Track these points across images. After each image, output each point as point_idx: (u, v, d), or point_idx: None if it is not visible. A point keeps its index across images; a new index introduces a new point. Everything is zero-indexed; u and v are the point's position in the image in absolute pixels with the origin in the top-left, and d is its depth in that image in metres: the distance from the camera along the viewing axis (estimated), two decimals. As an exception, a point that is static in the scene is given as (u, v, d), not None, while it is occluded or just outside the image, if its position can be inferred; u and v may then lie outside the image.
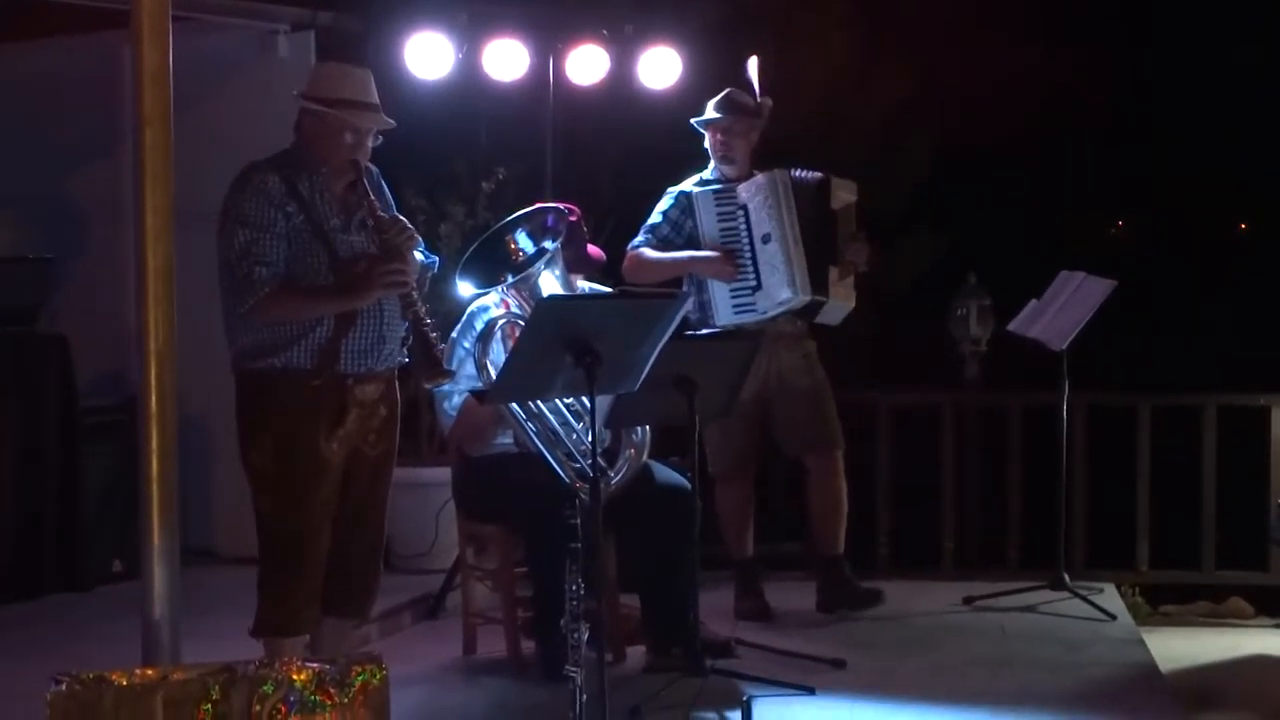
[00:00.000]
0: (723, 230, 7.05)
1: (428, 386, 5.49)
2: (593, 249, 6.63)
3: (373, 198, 5.10)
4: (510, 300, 5.97)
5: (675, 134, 7.38)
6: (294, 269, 5.04)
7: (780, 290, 6.94)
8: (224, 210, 5.06)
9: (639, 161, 9.96)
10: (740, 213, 7.04)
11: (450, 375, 5.37)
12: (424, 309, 5.11)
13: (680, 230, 7.11)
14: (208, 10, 7.89)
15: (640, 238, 7.15)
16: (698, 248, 7.07)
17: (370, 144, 5.18)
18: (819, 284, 6.98)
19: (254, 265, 4.96)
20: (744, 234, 7.03)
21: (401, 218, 5.22)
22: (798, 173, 7.10)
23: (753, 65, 7.16)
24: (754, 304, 7.01)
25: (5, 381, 7.53)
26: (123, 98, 7.77)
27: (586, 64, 7.68)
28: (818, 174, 7.16)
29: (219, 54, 8.15)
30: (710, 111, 7.16)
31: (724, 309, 7.02)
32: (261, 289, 4.96)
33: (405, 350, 5.24)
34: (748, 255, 7.01)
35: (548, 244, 5.91)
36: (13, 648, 6.49)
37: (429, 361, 5.08)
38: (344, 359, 5.09)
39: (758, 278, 6.99)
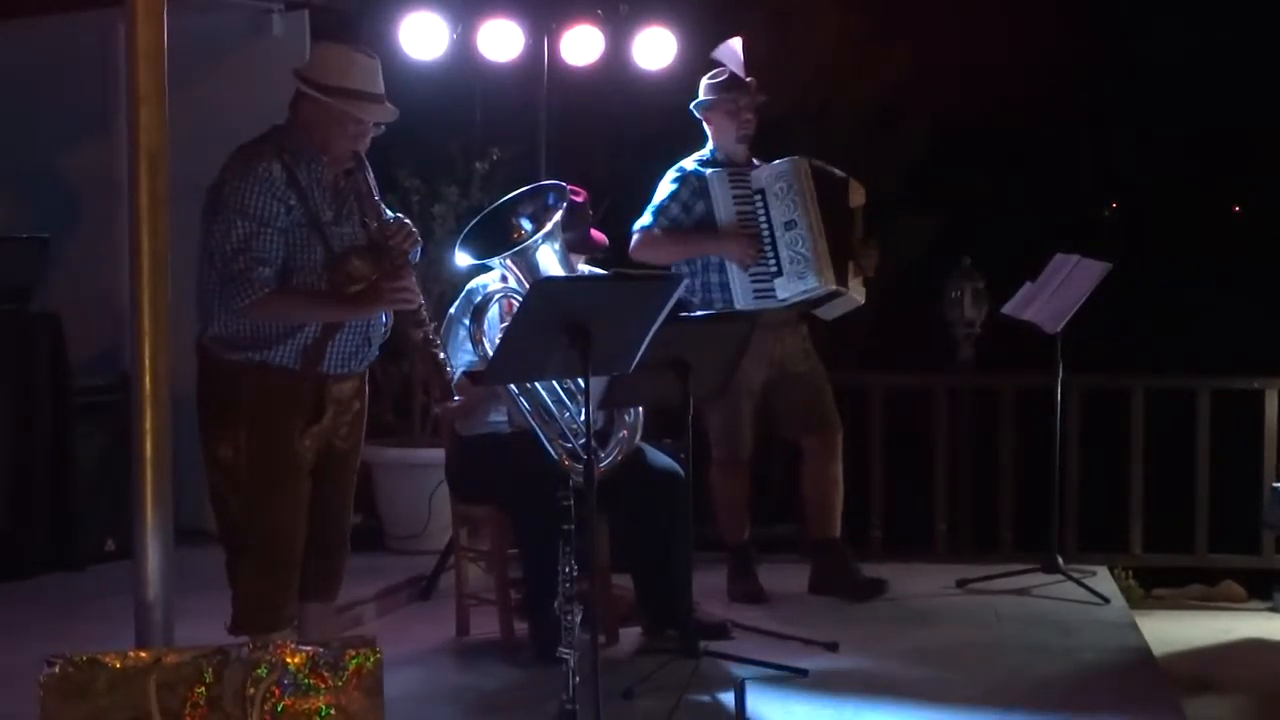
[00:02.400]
0: (740, 214, 7.00)
1: (437, 411, 5.44)
2: (596, 233, 6.62)
3: (375, 196, 5.04)
4: (509, 275, 5.95)
5: (670, 115, 7.36)
6: (288, 262, 4.94)
7: (806, 279, 6.91)
8: (221, 195, 4.90)
9: (633, 142, 9.95)
10: (757, 197, 7.00)
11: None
12: (432, 327, 5.07)
13: (690, 212, 7.06)
14: (202, -12, 7.88)
15: (649, 219, 7.08)
16: (709, 229, 7.05)
17: (371, 134, 5.10)
18: (841, 276, 6.98)
19: (254, 263, 4.84)
20: (763, 219, 6.98)
21: (406, 220, 5.15)
22: (816, 162, 7.07)
23: (737, 44, 7.12)
24: (773, 290, 6.96)
25: (-2, 361, 7.54)
26: (116, 75, 7.75)
27: (581, 44, 7.65)
28: (838, 172, 7.15)
29: (213, 33, 8.12)
30: (719, 91, 7.11)
31: (744, 293, 6.97)
32: (262, 289, 4.85)
33: (387, 344, 5.21)
34: (768, 241, 6.96)
35: (547, 221, 5.90)
36: (4, 627, 6.47)
37: (440, 386, 5.07)
38: (328, 361, 5.03)
39: (779, 264, 6.95)
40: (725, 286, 7.00)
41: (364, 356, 5.15)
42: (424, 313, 5.05)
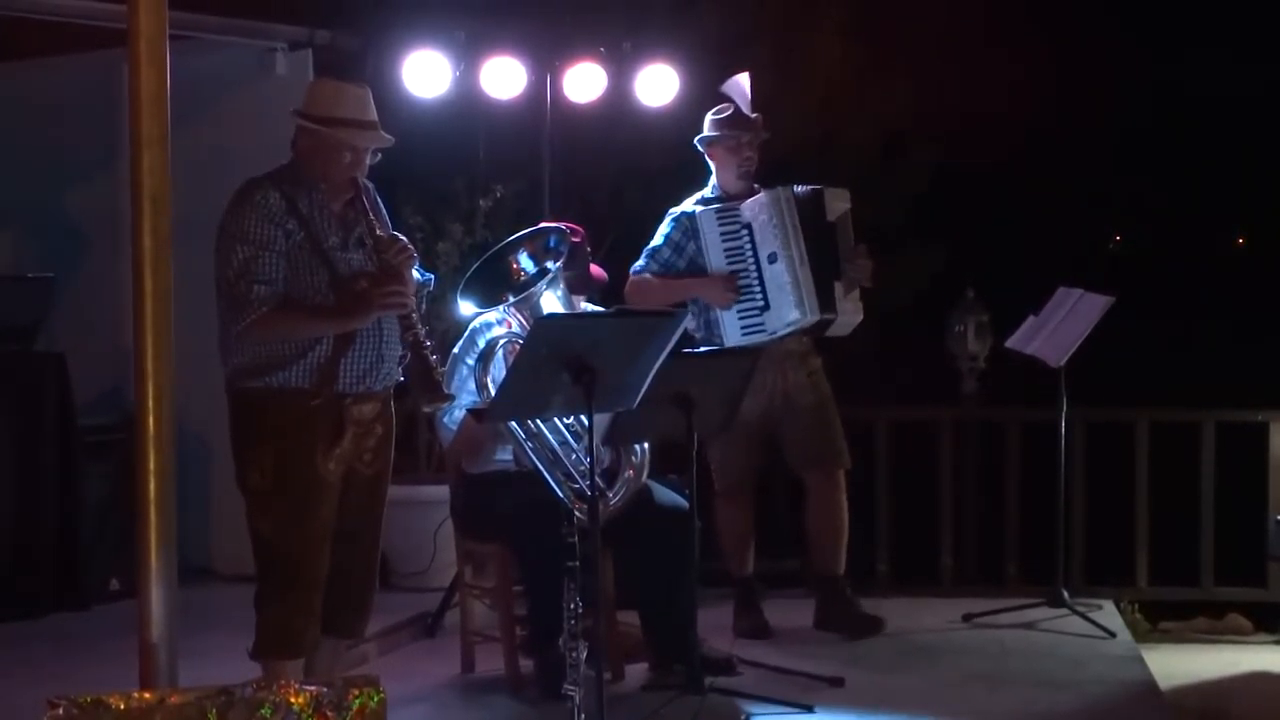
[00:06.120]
0: (728, 250, 7.00)
1: (426, 410, 5.48)
2: (595, 269, 6.64)
3: (371, 215, 5.09)
4: (512, 320, 5.97)
5: (673, 151, 7.38)
6: (293, 287, 5.02)
7: (789, 311, 6.89)
8: (223, 227, 5.03)
9: (636, 179, 9.98)
10: (744, 232, 6.99)
11: (450, 398, 5.36)
12: (423, 330, 5.11)
13: (682, 253, 7.08)
14: (205, 29, 7.91)
15: (641, 262, 7.12)
16: (701, 270, 7.04)
17: (368, 161, 5.18)
18: (826, 302, 6.97)
19: (252, 283, 4.94)
20: (749, 254, 6.98)
21: (400, 236, 5.21)
22: (797, 189, 7.08)
23: (744, 80, 7.13)
24: (762, 325, 6.95)
25: (3, 400, 7.54)
26: (121, 115, 7.76)
27: (584, 82, 7.68)
28: (811, 187, 7.13)
29: (217, 72, 8.15)
30: (723, 128, 7.12)
31: (732, 331, 6.97)
32: (260, 307, 4.94)
33: (402, 370, 5.24)
34: (754, 275, 6.95)
35: (549, 264, 5.92)
36: (10, 667, 6.47)
37: (428, 385, 5.07)
38: (342, 379, 5.07)
39: (765, 298, 6.94)
40: (713, 325, 7.01)
41: (379, 374, 5.16)
42: (414, 317, 5.09)
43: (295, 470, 5.05)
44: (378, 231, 5.09)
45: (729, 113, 7.11)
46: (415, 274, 5.21)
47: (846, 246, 7.09)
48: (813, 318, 6.93)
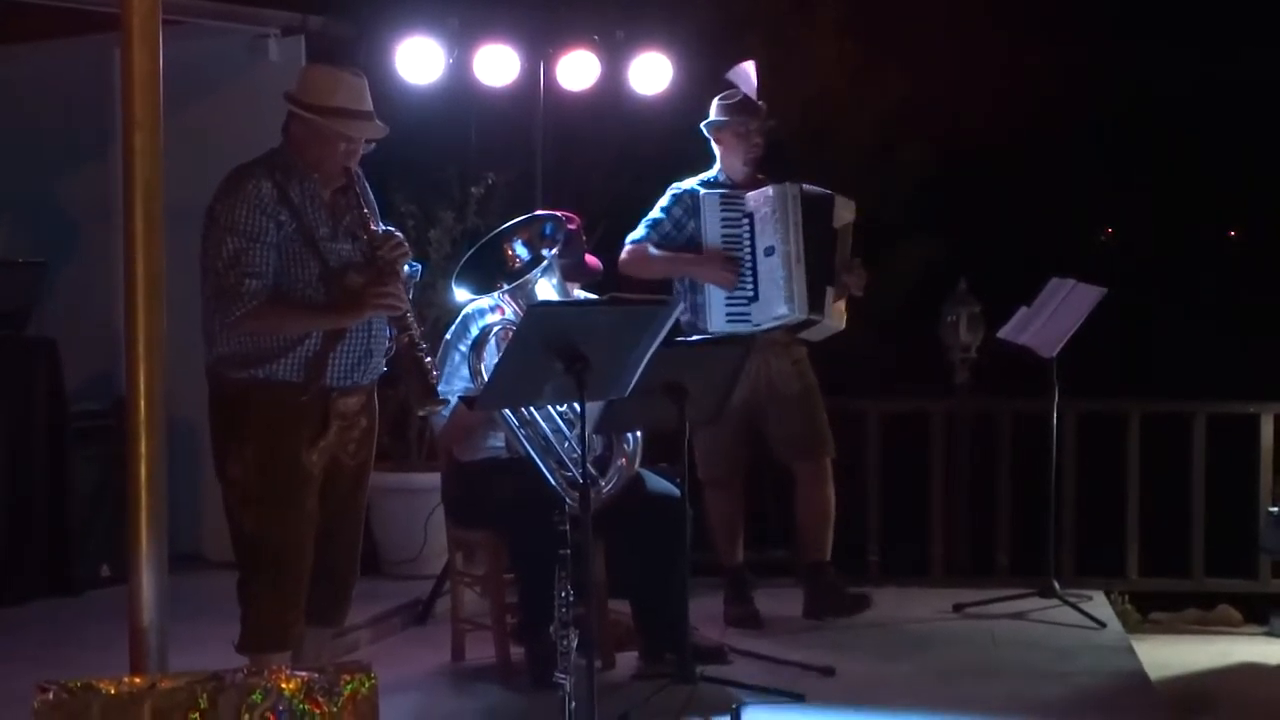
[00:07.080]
0: (725, 236, 7.02)
1: (420, 414, 5.46)
2: (590, 258, 6.63)
3: (365, 209, 5.06)
4: (506, 307, 5.96)
5: (666, 139, 7.37)
6: (282, 278, 4.98)
7: (777, 305, 6.92)
8: (213, 215, 4.97)
9: (629, 167, 9.94)
10: (745, 221, 7.01)
11: (444, 403, 5.35)
12: (418, 332, 5.08)
13: (682, 229, 7.09)
14: (198, 14, 7.89)
15: (641, 231, 7.12)
16: (698, 249, 7.06)
17: (362, 151, 5.14)
18: (815, 303, 6.97)
19: (244, 276, 4.89)
20: (747, 243, 7.00)
21: (395, 231, 5.17)
22: (807, 188, 7.08)
23: (750, 68, 7.13)
24: (748, 315, 6.98)
25: (-6, 385, 7.54)
26: (113, 100, 7.76)
27: (577, 69, 7.67)
28: (824, 191, 7.14)
29: (209, 58, 8.13)
30: (732, 113, 7.12)
31: (717, 316, 6.99)
32: (251, 301, 4.90)
33: (388, 361, 5.21)
34: (748, 265, 6.98)
35: (545, 252, 5.91)
36: (0, 653, 6.46)
37: (423, 388, 5.06)
38: (330, 373, 5.04)
39: (755, 289, 6.96)
40: (699, 309, 7.03)
41: (366, 368, 5.14)
42: (409, 318, 5.07)
43: (280, 464, 5.01)
44: (371, 226, 5.07)
45: (738, 98, 7.11)
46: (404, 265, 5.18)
47: (844, 256, 7.15)
48: (799, 316, 6.96)
